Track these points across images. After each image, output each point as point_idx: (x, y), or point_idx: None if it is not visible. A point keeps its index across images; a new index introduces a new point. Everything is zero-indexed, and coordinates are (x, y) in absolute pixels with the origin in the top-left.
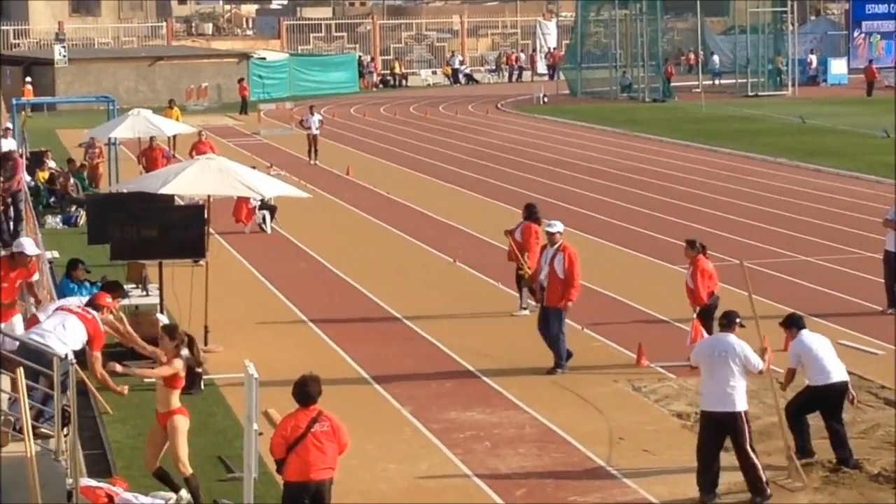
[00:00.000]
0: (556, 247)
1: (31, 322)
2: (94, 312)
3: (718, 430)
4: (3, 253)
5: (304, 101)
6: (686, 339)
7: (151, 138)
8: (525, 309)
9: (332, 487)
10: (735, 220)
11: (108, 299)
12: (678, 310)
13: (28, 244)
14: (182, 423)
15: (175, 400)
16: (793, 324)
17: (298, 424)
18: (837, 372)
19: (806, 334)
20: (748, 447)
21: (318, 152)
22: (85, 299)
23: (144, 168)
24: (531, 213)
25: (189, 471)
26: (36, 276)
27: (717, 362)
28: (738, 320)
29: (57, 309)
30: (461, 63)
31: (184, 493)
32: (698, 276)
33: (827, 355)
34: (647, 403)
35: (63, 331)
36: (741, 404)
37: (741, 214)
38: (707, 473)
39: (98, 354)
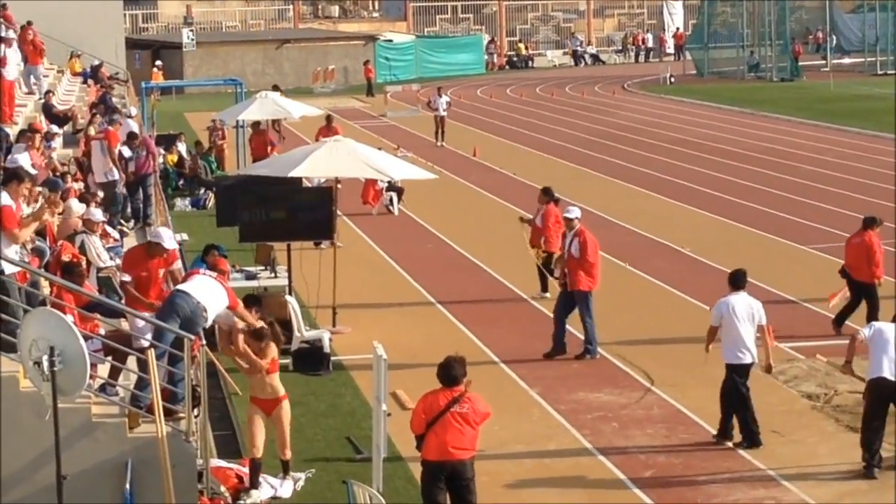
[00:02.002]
0: (573, 232)
1: None
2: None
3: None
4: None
5: (430, 83)
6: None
7: (256, 123)
8: (546, 293)
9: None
10: (864, 200)
11: (228, 266)
12: (806, 290)
13: (167, 236)
14: (288, 409)
15: (280, 386)
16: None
17: (438, 402)
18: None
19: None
20: None
21: (445, 134)
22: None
23: (252, 154)
24: (551, 196)
25: (289, 455)
26: (178, 265)
27: None
28: None
29: (190, 275)
30: (580, 44)
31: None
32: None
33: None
34: (776, 384)
35: (208, 290)
36: None
37: (870, 194)
38: (878, 441)
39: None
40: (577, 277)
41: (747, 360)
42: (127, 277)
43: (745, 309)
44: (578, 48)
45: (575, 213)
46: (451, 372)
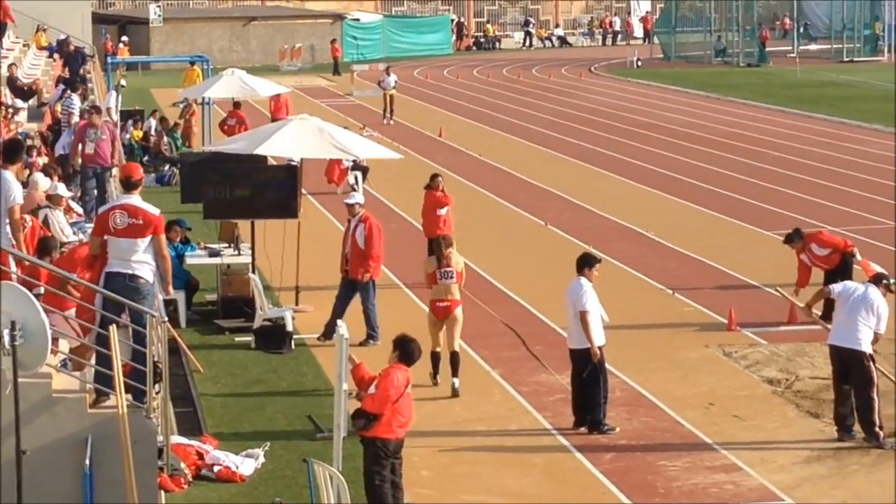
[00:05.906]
0: (357, 217)
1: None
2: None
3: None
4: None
5: (397, 63)
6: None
7: (237, 103)
8: None
9: None
10: (829, 186)
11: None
12: (770, 275)
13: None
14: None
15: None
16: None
17: (402, 382)
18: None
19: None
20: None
21: (395, 112)
22: None
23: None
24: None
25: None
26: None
27: (856, 304)
28: (885, 282)
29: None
30: (527, 24)
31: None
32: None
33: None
34: (738, 369)
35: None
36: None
37: (835, 181)
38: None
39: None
40: (362, 266)
41: (573, 345)
42: None
43: (570, 294)
44: (531, 30)
45: (357, 198)
46: (412, 350)
